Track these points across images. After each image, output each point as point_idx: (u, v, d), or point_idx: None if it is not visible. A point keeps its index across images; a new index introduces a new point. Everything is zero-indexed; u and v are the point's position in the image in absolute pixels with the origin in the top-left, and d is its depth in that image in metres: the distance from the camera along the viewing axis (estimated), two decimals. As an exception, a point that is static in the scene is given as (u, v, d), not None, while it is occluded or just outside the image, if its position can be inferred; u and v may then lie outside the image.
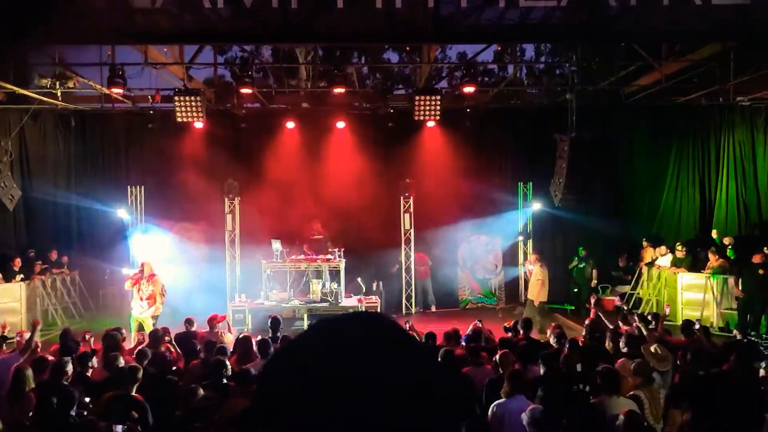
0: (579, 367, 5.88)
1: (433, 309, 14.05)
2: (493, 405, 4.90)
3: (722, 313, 11.74)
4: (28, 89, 12.66)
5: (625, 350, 6.46)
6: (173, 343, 7.26)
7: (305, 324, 12.09)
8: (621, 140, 15.22)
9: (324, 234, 13.72)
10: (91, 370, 6.23)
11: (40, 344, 7.65)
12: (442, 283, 14.54)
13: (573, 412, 4.52)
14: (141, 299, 10.14)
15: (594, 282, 13.92)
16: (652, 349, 5.87)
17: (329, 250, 13.01)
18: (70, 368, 5.78)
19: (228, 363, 6.07)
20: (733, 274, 11.52)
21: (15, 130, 13.86)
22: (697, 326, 7.54)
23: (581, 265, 13.97)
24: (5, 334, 8.26)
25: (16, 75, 12.22)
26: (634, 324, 7.51)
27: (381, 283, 13.67)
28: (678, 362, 6.24)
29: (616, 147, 15.21)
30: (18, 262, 12.85)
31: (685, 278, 12.39)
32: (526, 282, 14.71)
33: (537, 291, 11.74)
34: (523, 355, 6.25)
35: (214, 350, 6.83)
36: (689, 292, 12.28)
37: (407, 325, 7.56)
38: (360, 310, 11.90)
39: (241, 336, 7.28)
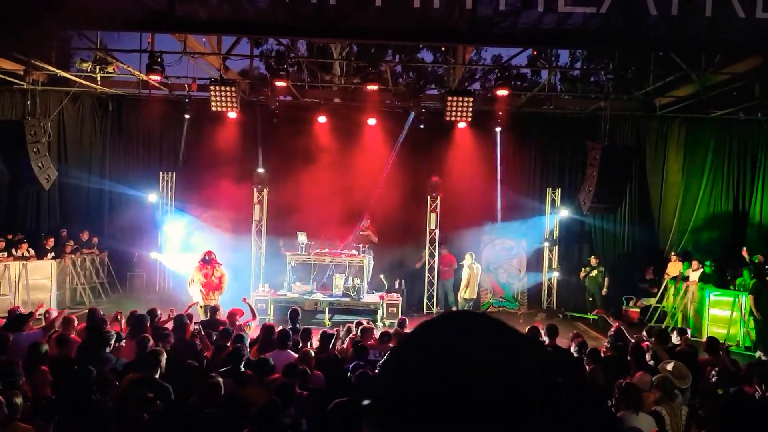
0: (601, 379, 5.83)
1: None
2: None
3: (749, 332, 11.50)
4: (68, 72, 12.97)
5: (651, 363, 6.38)
6: (202, 332, 7.26)
7: (326, 317, 12.18)
8: (654, 151, 15.01)
9: (370, 231, 13.82)
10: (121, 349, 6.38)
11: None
12: (464, 285, 14.49)
13: (595, 426, 4.48)
14: (210, 286, 10.25)
15: (605, 290, 13.75)
16: (669, 366, 5.78)
17: (353, 246, 13.11)
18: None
19: (246, 352, 6.14)
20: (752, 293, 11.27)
21: (54, 111, 14.21)
22: (719, 346, 7.40)
23: (593, 274, 13.84)
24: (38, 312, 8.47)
25: (57, 58, 12.52)
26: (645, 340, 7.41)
27: (404, 281, 13.70)
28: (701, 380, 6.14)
29: (649, 158, 15.00)
30: (51, 241, 13.20)
31: (713, 295, 12.17)
32: (550, 288, 14.64)
33: (462, 288, 12.52)
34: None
35: (232, 338, 6.89)
36: (716, 309, 12.05)
37: None
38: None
39: (265, 324, 7.32)
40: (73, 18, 6.78)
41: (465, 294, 12.55)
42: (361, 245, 13.15)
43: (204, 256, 10.43)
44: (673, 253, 14.11)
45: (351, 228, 13.87)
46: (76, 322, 7.25)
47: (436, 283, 14.08)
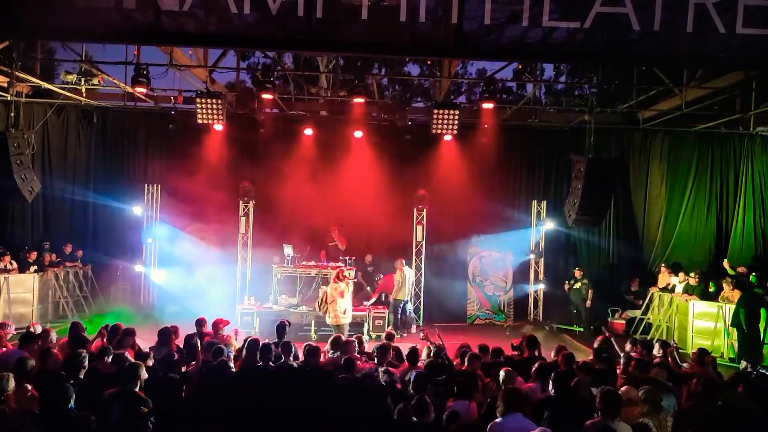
0: (594, 391, 5.82)
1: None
2: (489, 426, 4.81)
3: (732, 344, 11.59)
4: (53, 84, 12.88)
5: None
6: (191, 341, 7.16)
7: (312, 330, 12.11)
8: (637, 164, 15.17)
9: (337, 241, 13.82)
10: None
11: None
12: (450, 297, 14.50)
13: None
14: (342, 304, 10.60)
15: (589, 302, 13.80)
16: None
17: (340, 258, 13.10)
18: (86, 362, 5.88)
19: (231, 365, 6.09)
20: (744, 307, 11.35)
21: (39, 123, 14.09)
22: (707, 358, 7.44)
23: (576, 286, 13.90)
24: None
25: (41, 70, 12.43)
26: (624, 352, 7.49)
27: (390, 294, 13.65)
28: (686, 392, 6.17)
29: (633, 171, 15.15)
30: (33, 254, 13.03)
31: (697, 306, 12.27)
32: (536, 300, 14.69)
33: (395, 291, 13.06)
34: (537, 372, 6.20)
35: (213, 352, 6.80)
36: (700, 321, 12.15)
37: (420, 335, 7.56)
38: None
39: (249, 339, 7.25)
40: (59, 29, 6.75)
41: (398, 296, 12.99)
42: (343, 258, 13.14)
43: (338, 274, 10.83)
44: (663, 265, 14.20)
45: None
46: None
47: (422, 296, 14.09)
